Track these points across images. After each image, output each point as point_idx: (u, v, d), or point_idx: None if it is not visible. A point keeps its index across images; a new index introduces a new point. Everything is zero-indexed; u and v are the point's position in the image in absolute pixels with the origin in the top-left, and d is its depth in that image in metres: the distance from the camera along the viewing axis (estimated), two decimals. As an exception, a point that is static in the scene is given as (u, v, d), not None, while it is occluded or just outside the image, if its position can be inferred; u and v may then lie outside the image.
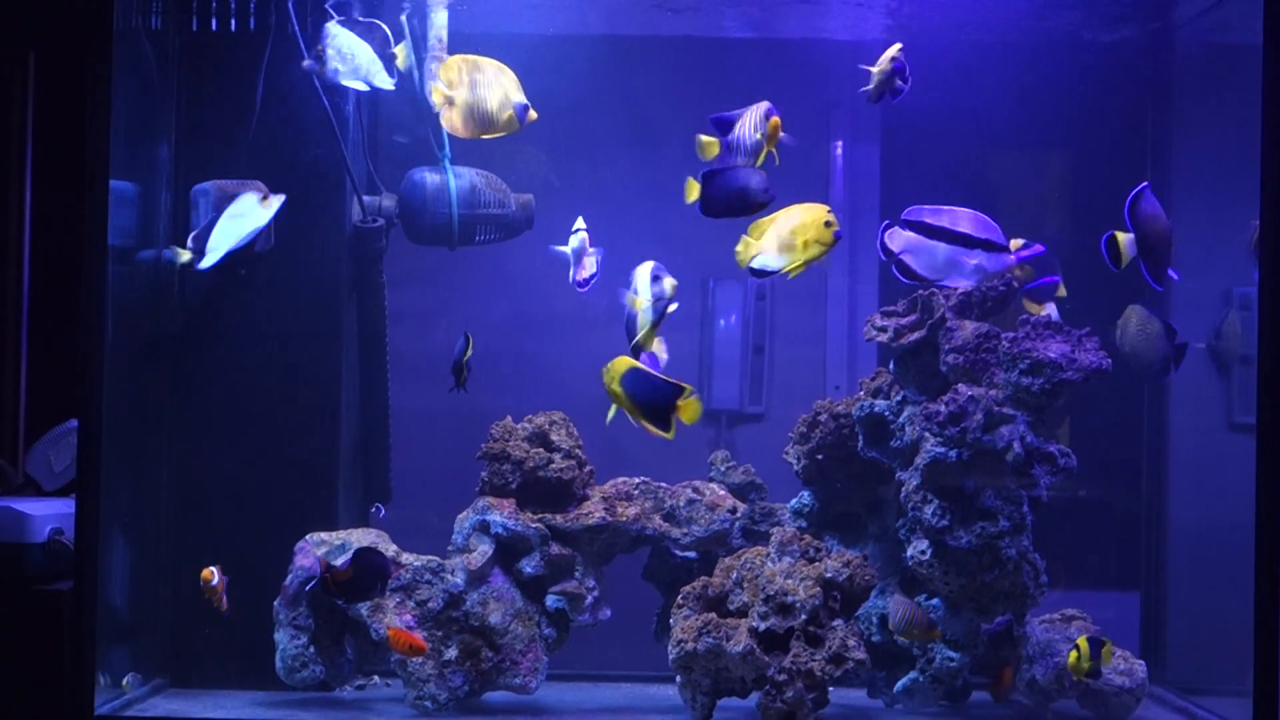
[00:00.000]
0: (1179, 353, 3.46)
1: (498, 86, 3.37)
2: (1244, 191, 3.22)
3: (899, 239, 3.30)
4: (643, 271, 3.36)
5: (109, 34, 3.40)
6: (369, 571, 3.51)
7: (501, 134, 3.48)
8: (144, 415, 3.76)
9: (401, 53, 3.45)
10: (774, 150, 3.20)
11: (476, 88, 3.38)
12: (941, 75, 4.13)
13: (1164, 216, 3.24)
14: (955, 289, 3.63)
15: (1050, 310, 3.67)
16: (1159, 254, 3.22)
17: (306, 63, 3.42)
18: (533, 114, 3.48)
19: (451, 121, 3.41)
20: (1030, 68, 3.71)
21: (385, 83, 3.47)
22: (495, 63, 3.43)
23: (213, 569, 3.45)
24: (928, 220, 3.28)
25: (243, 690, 3.70)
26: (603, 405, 4.22)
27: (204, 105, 3.81)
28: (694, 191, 3.30)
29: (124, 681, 3.48)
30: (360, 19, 3.50)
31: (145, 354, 3.75)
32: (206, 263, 3.43)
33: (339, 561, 3.50)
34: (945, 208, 3.28)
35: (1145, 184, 3.24)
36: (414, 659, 3.50)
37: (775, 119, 3.20)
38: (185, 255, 3.44)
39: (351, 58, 3.41)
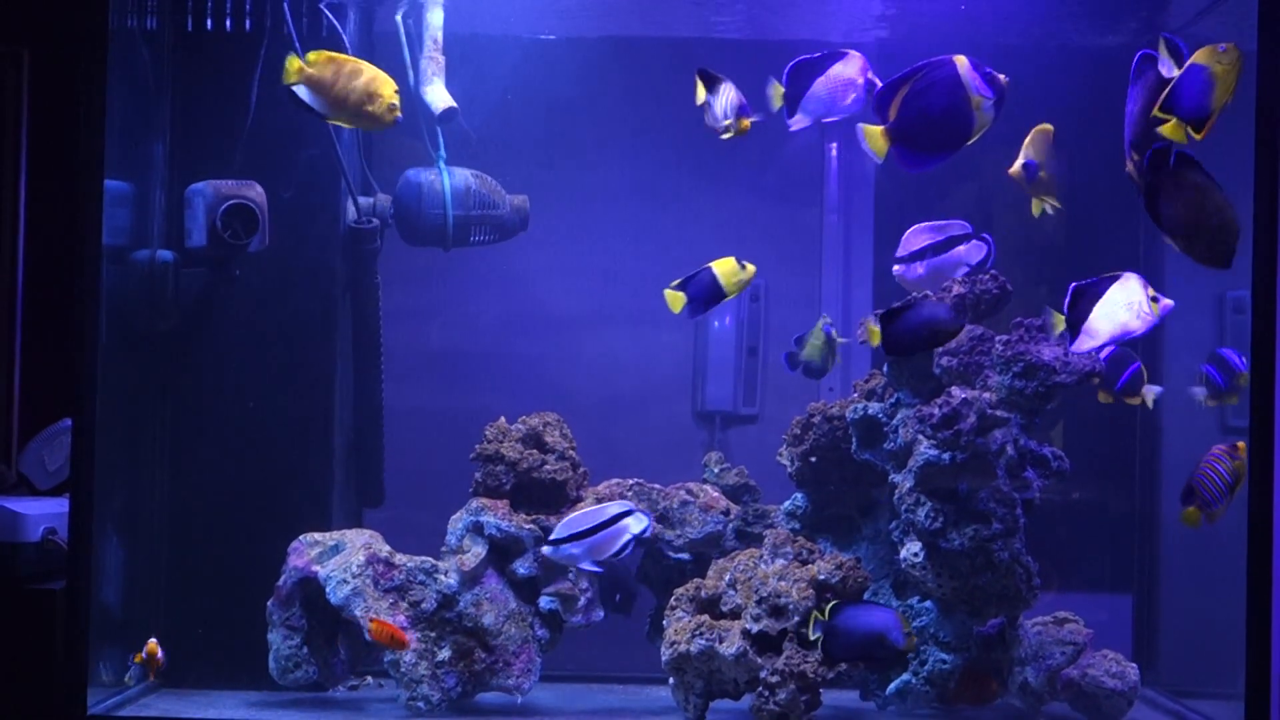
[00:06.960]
0: None
1: None
2: (1239, 195, 3.22)
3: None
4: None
5: (104, 33, 3.40)
6: None
7: None
8: (138, 415, 3.76)
9: None
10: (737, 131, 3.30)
11: None
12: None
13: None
14: (950, 291, 3.64)
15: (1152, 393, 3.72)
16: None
17: None
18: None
19: None
20: (1025, 71, 3.70)
21: None
22: None
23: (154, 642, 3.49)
24: None
25: (235, 690, 3.69)
26: (598, 406, 4.24)
27: (199, 105, 3.81)
28: (875, 336, 3.40)
29: (126, 678, 3.51)
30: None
31: (139, 353, 3.75)
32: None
33: None
34: None
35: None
36: (406, 658, 3.50)
37: (745, 120, 3.28)
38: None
39: None
